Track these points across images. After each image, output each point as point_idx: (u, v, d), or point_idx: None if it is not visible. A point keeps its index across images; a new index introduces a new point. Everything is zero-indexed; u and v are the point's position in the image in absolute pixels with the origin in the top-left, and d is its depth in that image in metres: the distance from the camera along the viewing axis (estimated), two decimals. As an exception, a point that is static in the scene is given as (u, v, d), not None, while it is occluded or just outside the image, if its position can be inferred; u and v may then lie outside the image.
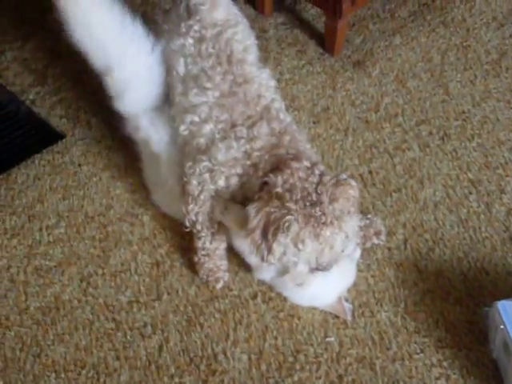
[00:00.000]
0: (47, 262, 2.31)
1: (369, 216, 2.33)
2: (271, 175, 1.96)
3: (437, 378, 2.06)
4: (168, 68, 2.31)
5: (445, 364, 2.09)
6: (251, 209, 1.93)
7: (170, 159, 2.30)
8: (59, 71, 2.88)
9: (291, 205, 1.88)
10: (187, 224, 2.20)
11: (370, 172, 2.54)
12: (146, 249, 2.34)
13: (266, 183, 1.98)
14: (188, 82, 2.21)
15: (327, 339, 2.14)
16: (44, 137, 2.64)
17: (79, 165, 2.57)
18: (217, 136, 2.11)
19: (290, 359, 2.10)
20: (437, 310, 2.19)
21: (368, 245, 2.30)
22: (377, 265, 2.29)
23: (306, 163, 1.98)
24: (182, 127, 2.20)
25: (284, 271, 2.09)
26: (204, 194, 2.12)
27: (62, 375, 2.08)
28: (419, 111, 2.74)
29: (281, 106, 2.21)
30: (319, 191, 1.91)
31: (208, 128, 2.13)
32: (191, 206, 2.14)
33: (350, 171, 2.53)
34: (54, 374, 2.09)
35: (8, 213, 2.43)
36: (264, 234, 1.90)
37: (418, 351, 2.11)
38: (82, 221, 2.41)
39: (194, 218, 2.16)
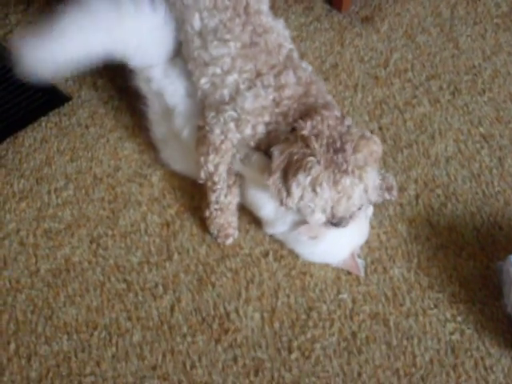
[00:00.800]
0: (56, 225, 2.30)
1: (381, 172, 2.31)
2: (300, 121, 1.98)
3: (451, 333, 2.05)
4: (180, 24, 2.27)
5: (459, 319, 2.08)
6: (275, 150, 1.97)
7: (186, 111, 2.27)
8: (64, 33, 2.84)
9: (314, 146, 1.90)
10: (202, 176, 2.18)
11: (381, 128, 2.52)
12: (155, 209, 2.32)
13: (294, 129, 1.99)
14: (206, 35, 2.18)
15: (340, 296, 2.13)
16: (50, 99, 2.61)
17: (86, 126, 2.54)
18: (242, 86, 2.10)
19: (303, 317, 2.10)
20: (450, 265, 2.17)
21: (379, 200, 2.28)
22: (389, 221, 2.28)
23: (337, 113, 2.01)
24: (203, 80, 2.18)
25: (299, 222, 2.09)
26: (226, 144, 2.11)
27: (74, 337, 2.08)
28: (429, 66, 2.71)
29: (300, 54, 2.24)
30: (344, 140, 1.92)
31: (232, 79, 2.12)
32: (212, 156, 2.13)
33: (360, 128, 2.48)
34: (66, 336, 2.08)
35: (16, 176, 2.41)
36: (285, 175, 1.92)
37: (432, 306, 2.10)
38: (90, 182, 2.40)
39: (212, 169, 2.15)
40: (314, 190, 1.90)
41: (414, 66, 2.71)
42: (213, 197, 2.20)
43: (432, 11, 2.90)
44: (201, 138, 2.15)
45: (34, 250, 2.25)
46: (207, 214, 2.23)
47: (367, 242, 2.22)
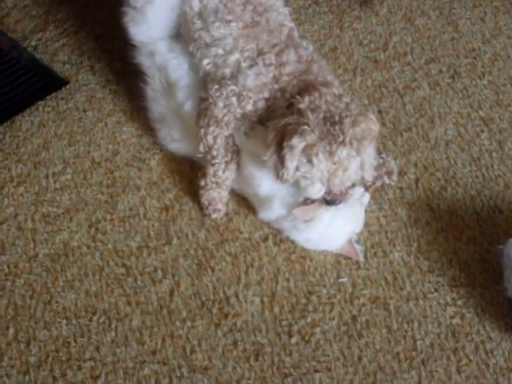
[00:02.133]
0: (55, 209, 2.29)
1: (382, 155, 2.30)
2: (298, 96, 1.98)
3: (451, 317, 2.05)
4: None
5: (459, 303, 2.08)
6: (271, 124, 1.97)
7: (189, 84, 2.25)
8: (60, 17, 2.82)
9: (311, 117, 1.90)
10: (201, 149, 2.18)
11: (380, 112, 2.51)
12: (154, 193, 2.31)
13: (291, 104, 1.99)
14: (206, 16, 2.17)
15: (340, 280, 2.12)
16: (47, 83, 2.60)
17: (84, 110, 2.53)
18: (243, 64, 2.10)
19: (303, 301, 2.09)
20: (450, 248, 2.17)
21: (379, 184, 2.27)
22: (389, 205, 2.27)
23: (335, 90, 2.00)
24: (206, 61, 2.17)
25: (294, 205, 2.09)
26: (228, 117, 2.11)
27: (73, 321, 2.07)
28: (428, 49, 2.69)
29: (300, 34, 2.23)
30: (343, 115, 1.92)
31: (233, 58, 2.11)
32: (212, 128, 2.12)
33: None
34: (65, 321, 2.07)
35: (14, 160, 2.40)
36: (280, 146, 1.91)
37: (432, 290, 2.10)
38: (88, 167, 2.38)
39: (211, 142, 2.15)
40: (309, 161, 1.90)
41: (413, 49, 2.70)
42: (211, 170, 2.20)
43: (431, -6, 2.89)
44: (203, 110, 2.15)
45: (32, 234, 2.24)
46: (203, 183, 2.23)
47: (367, 225, 2.21)
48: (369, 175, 2.01)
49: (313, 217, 2.08)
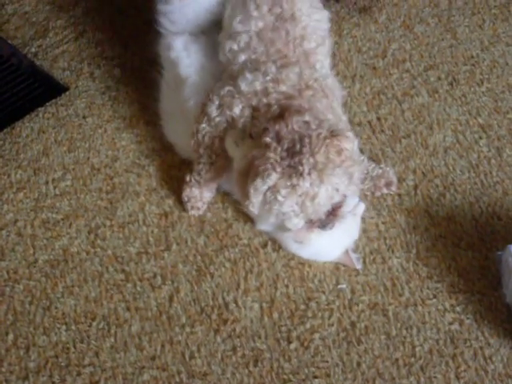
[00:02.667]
0: (54, 215, 2.29)
1: (381, 166, 2.30)
2: (271, 122, 1.90)
3: (450, 323, 2.05)
4: None
5: (458, 309, 2.08)
6: (241, 150, 1.95)
7: (197, 83, 2.24)
8: (60, 24, 2.83)
9: (271, 155, 1.82)
10: (192, 145, 2.16)
11: (379, 118, 2.51)
12: (153, 199, 2.32)
13: (265, 129, 1.91)
14: (236, 6, 2.16)
15: (339, 286, 2.13)
16: (47, 90, 2.60)
17: (84, 117, 2.53)
18: (248, 65, 2.07)
19: (302, 307, 2.09)
20: (449, 255, 2.17)
21: (378, 194, 2.28)
22: (387, 211, 2.27)
23: (308, 118, 1.89)
24: (221, 54, 2.18)
25: (281, 227, 2.04)
26: (220, 118, 2.07)
27: (73, 327, 2.08)
28: (427, 56, 2.70)
29: (325, 57, 2.16)
30: (303, 143, 1.83)
31: (243, 57, 2.10)
32: (203, 125, 2.10)
33: (358, 118, 2.50)
34: (64, 327, 2.08)
35: (13, 166, 2.40)
36: (246, 178, 1.87)
37: (431, 297, 2.10)
38: (88, 173, 2.39)
39: (200, 139, 2.12)
40: (275, 198, 1.83)
41: (412, 56, 2.70)
42: (196, 168, 2.19)
43: (430, 1, 2.89)
44: (203, 105, 2.12)
45: (31, 240, 2.24)
46: (187, 179, 2.24)
47: (366, 232, 2.21)
48: (351, 191, 1.93)
49: (303, 239, 2.08)
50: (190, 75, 2.26)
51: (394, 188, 2.29)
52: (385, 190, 2.29)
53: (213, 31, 2.30)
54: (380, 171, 2.28)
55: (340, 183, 1.85)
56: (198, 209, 2.26)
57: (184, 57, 2.29)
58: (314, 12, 2.16)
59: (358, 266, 2.15)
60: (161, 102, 2.41)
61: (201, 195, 2.24)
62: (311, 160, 1.81)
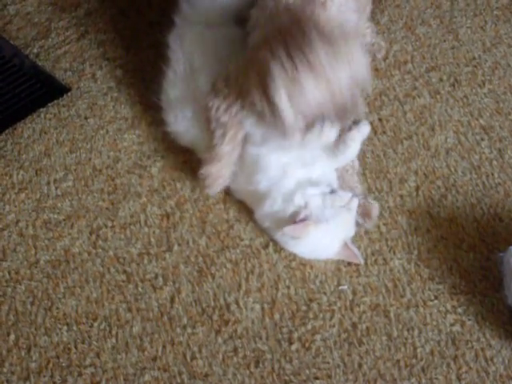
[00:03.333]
0: (56, 216, 2.30)
1: (370, 200, 2.24)
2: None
3: (452, 325, 2.05)
4: None
5: (459, 310, 2.08)
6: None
7: (211, 72, 2.22)
8: (62, 24, 2.83)
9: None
10: (204, 121, 2.14)
11: (381, 120, 2.51)
12: (155, 200, 2.32)
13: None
14: None
15: (340, 287, 2.13)
16: (49, 90, 2.60)
17: (85, 118, 2.53)
18: None
19: (303, 308, 2.09)
20: (450, 256, 2.17)
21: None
22: (389, 212, 2.27)
23: None
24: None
25: (283, 221, 2.08)
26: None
27: (74, 328, 2.08)
28: (429, 58, 2.70)
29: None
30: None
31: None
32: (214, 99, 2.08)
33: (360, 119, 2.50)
34: (65, 327, 2.08)
35: (15, 167, 2.41)
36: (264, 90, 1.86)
37: (433, 298, 2.10)
38: (89, 174, 2.39)
39: (212, 114, 2.09)
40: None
41: (413, 57, 2.70)
42: (213, 141, 2.15)
43: (432, 3, 2.89)
44: (213, 83, 2.12)
45: (33, 241, 2.24)
46: (206, 157, 2.19)
47: (367, 233, 2.21)
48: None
49: (301, 235, 2.08)
50: (205, 65, 2.26)
51: (369, 223, 2.22)
52: (359, 220, 2.21)
53: (229, 25, 2.32)
54: (361, 201, 2.20)
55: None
56: (216, 186, 2.22)
57: (199, 46, 2.29)
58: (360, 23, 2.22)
59: (361, 261, 2.15)
60: (166, 91, 2.37)
61: (219, 172, 2.19)
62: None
